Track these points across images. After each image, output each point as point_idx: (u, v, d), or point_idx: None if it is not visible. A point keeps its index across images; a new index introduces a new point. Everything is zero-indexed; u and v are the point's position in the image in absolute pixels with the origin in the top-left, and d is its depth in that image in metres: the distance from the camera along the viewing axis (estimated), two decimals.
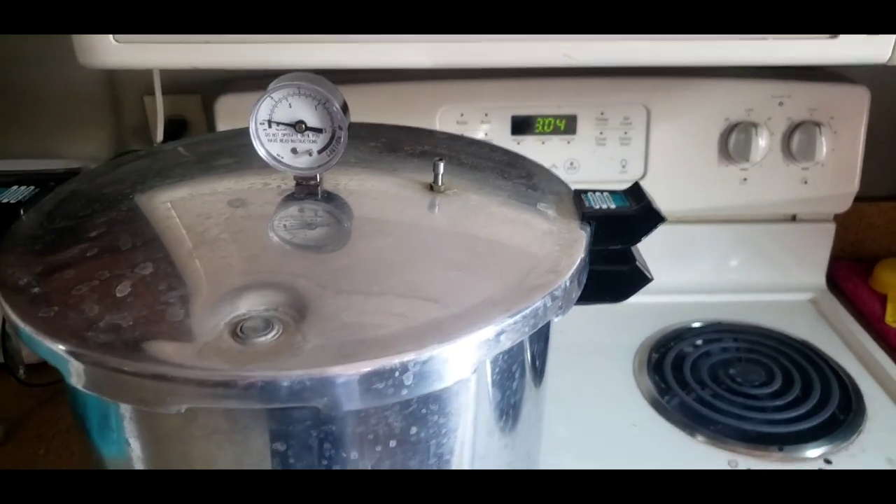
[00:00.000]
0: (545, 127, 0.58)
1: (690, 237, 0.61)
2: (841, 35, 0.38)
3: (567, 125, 0.58)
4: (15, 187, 0.31)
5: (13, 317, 0.25)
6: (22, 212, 0.30)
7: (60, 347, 0.23)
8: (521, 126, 0.58)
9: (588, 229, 0.30)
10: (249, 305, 0.25)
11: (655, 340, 0.56)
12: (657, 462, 0.44)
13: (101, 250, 0.28)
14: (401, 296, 0.26)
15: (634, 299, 0.32)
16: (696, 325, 0.58)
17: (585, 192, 0.32)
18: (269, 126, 0.30)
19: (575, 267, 0.28)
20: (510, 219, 0.32)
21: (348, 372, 0.22)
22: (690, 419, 0.47)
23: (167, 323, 0.24)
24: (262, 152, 0.30)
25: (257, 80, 0.57)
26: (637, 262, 0.31)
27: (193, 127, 0.62)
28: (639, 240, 0.31)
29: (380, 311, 0.25)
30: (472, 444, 0.28)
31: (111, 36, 0.37)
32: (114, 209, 0.31)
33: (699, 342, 0.55)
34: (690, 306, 0.59)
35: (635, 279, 0.31)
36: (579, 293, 0.29)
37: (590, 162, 0.59)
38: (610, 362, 0.53)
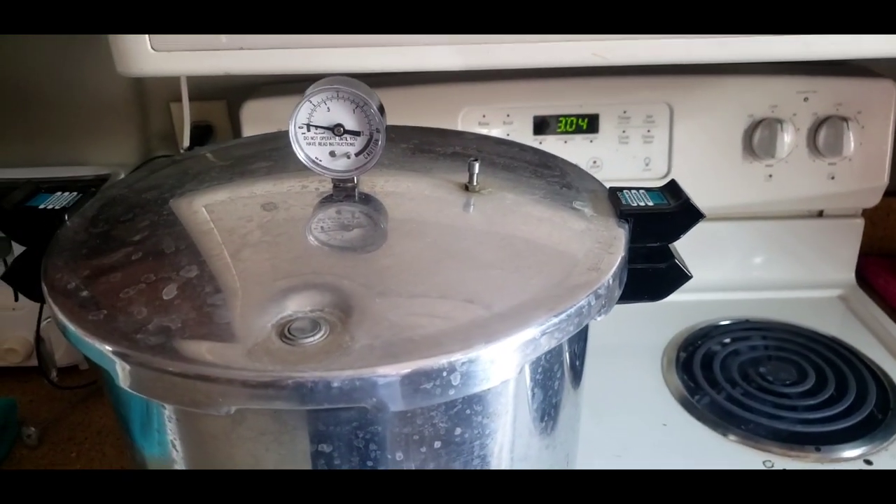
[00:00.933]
0: (567, 126, 0.58)
1: (716, 234, 0.61)
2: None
3: (589, 124, 0.58)
4: (58, 193, 0.32)
5: (63, 320, 0.25)
6: (66, 217, 0.31)
7: (111, 349, 0.24)
8: (543, 126, 0.58)
9: (626, 227, 0.30)
10: (296, 306, 0.25)
11: (683, 339, 0.55)
12: (690, 461, 0.44)
13: (145, 254, 0.28)
14: (444, 295, 0.26)
15: None
16: (724, 322, 0.57)
17: (621, 189, 0.32)
18: (308, 130, 0.30)
19: (617, 265, 0.27)
20: (547, 217, 0.31)
21: (398, 371, 0.22)
22: (722, 418, 0.47)
23: (215, 325, 0.24)
24: (301, 156, 0.31)
25: (282, 86, 0.58)
26: (676, 259, 0.31)
27: (219, 133, 0.62)
28: (678, 237, 0.30)
29: (424, 311, 0.25)
30: (513, 445, 0.28)
31: (148, 45, 0.37)
32: (155, 213, 0.31)
33: (727, 340, 0.55)
34: (717, 304, 0.59)
35: (674, 277, 0.31)
36: (620, 292, 0.28)
37: (613, 161, 0.58)
38: (637, 361, 0.53)
